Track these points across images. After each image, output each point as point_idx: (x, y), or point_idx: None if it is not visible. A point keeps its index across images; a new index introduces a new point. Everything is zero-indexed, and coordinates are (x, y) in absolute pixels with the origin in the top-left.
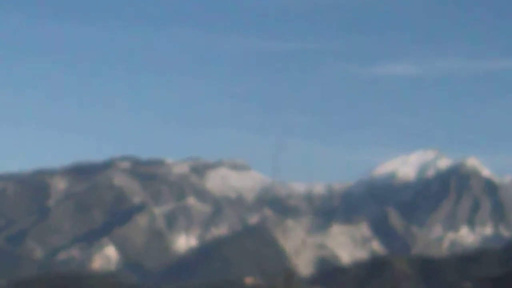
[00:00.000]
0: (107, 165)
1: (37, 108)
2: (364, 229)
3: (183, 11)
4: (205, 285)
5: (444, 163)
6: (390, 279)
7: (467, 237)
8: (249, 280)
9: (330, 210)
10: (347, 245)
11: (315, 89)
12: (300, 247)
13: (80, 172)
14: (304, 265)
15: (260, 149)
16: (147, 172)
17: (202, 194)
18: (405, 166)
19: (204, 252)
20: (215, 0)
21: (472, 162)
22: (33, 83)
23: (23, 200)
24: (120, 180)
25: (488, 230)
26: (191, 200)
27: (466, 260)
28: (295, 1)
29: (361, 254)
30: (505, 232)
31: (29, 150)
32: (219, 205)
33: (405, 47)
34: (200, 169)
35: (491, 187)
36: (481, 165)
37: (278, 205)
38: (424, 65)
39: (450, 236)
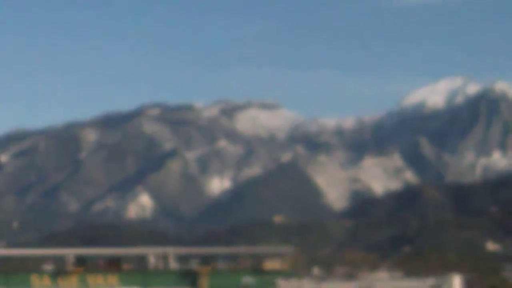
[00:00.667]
0: (137, 113)
1: (63, 58)
2: (396, 160)
3: None
4: (234, 227)
5: (472, 88)
6: (422, 208)
7: (500, 161)
8: (278, 218)
9: (362, 143)
10: (380, 176)
11: (341, 21)
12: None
13: (110, 122)
14: (338, 199)
15: (290, 85)
16: (176, 118)
17: (233, 136)
18: (434, 94)
19: (238, 194)
20: None
21: (501, 86)
22: (61, 30)
23: (54, 154)
24: (150, 127)
25: None
26: (223, 143)
27: (498, 185)
28: None
29: (395, 185)
30: None
31: (58, 103)
32: (250, 146)
33: None
34: (230, 111)
35: None
36: (510, 88)
37: (310, 141)
38: None
39: (483, 161)
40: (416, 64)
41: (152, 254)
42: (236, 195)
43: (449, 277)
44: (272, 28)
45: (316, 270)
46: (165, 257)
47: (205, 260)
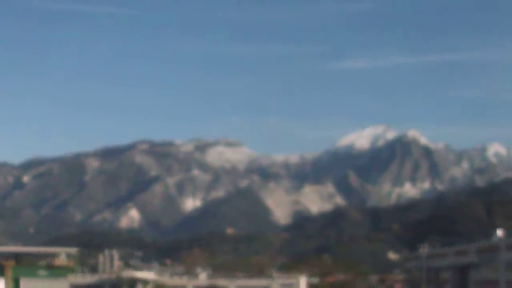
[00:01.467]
0: (130, 147)
1: (73, 97)
2: (329, 188)
3: None
4: (196, 236)
5: (391, 134)
6: (345, 225)
7: (410, 191)
8: (230, 230)
9: (303, 174)
10: (317, 200)
11: (288, 84)
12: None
13: (109, 153)
14: (283, 217)
15: (249, 128)
16: (160, 151)
17: (204, 167)
18: (361, 138)
19: (206, 211)
20: None
21: (412, 133)
22: (75, 74)
23: (65, 177)
24: (140, 158)
25: (426, 185)
26: (196, 172)
27: (405, 208)
28: None
29: (327, 207)
30: (439, 186)
31: (68, 135)
32: (217, 174)
33: (361, 47)
34: (202, 147)
35: (427, 152)
36: (419, 135)
37: (263, 172)
38: (374, 60)
39: (397, 191)
40: (348, 113)
41: None
42: (204, 212)
43: (296, 278)
44: (241, 84)
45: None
46: None
47: (15, 256)
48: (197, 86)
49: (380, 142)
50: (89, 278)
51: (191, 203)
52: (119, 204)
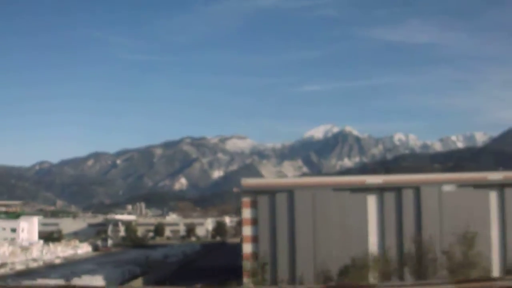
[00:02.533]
0: (180, 141)
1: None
2: (299, 163)
3: None
4: (218, 194)
5: (335, 129)
6: None
7: (347, 163)
8: (236, 189)
9: (283, 155)
10: (291, 170)
11: (273, 101)
12: None
13: (167, 145)
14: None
15: (252, 127)
16: (198, 143)
17: (224, 152)
18: (318, 132)
19: (226, 179)
20: None
21: (348, 128)
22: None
23: (141, 160)
24: (186, 147)
25: (357, 159)
26: (220, 155)
27: (344, 174)
28: None
29: (298, 174)
30: (365, 160)
31: (143, 133)
32: (232, 156)
33: (313, 78)
34: (223, 140)
35: (357, 139)
36: (352, 129)
37: (260, 154)
38: (322, 85)
39: (339, 163)
40: (310, 117)
41: None
42: (225, 179)
43: None
44: (247, 101)
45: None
46: None
47: None
48: (220, 105)
49: (329, 134)
50: (93, 220)
51: (217, 174)
52: (174, 175)
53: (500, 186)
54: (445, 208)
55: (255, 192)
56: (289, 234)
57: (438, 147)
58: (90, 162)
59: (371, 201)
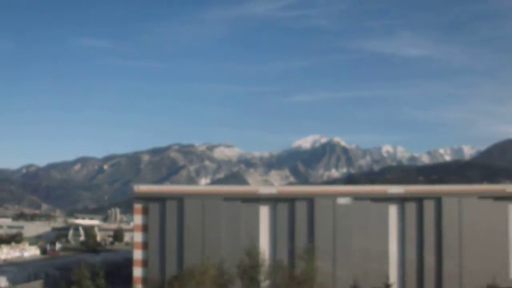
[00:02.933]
0: (167, 148)
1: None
2: (286, 172)
3: None
4: None
5: (323, 139)
6: None
7: (334, 174)
8: None
9: (271, 164)
10: (278, 180)
11: (261, 110)
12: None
13: (154, 151)
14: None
15: (239, 136)
16: (186, 150)
17: (211, 159)
18: (306, 142)
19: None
20: None
21: (336, 139)
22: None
23: (128, 166)
24: (173, 154)
25: (344, 170)
26: (207, 162)
27: (331, 183)
28: None
29: (284, 184)
30: (352, 171)
31: (131, 139)
32: (220, 164)
33: (301, 88)
34: (211, 147)
35: (345, 150)
36: (340, 140)
37: (247, 163)
38: (311, 96)
39: (327, 173)
40: (298, 127)
41: None
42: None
43: None
44: (236, 111)
45: None
46: None
47: None
48: (208, 113)
49: (317, 144)
50: (57, 224)
51: (203, 181)
52: (160, 182)
53: (401, 200)
54: (340, 221)
55: (146, 199)
56: (178, 241)
57: (426, 159)
58: (77, 167)
59: (264, 211)
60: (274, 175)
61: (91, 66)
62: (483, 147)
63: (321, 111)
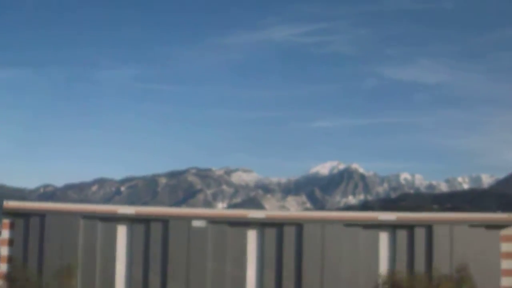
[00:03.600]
0: (185, 171)
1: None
2: (303, 198)
3: None
4: None
5: (341, 166)
6: None
7: (352, 200)
8: None
9: (288, 189)
10: (295, 206)
11: (279, 136)
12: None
13: (172, 174)
14: None
15: (258, 162)
16: (203, 174)
17: (229, 184)
18: (324, 168)
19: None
20: None
21: (354, 165)
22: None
23: (146, 188)
24: (191, 178)
25: (361, 197)
26: (224, 187)
27: (348, 209)
28: None
29: (301, 210)
30: (369, 198)
31: (149, 161)
32: (237, 189)
33: (324, 114)
34: (229, 172)
35: (362, 177)
36: (358, 167)
37: (264, 188)
38: (332, 122)
39: (344, 200)
40: (316, 153)
41: None
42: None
43: None
44: (254, 139)
45: None
46: None
47: None
48: (227, 138)
49: (335, 171)
50: None
51: (220, 205)
52: (176, 205)
53: (261, 226)
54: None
55: (14, 215)
56: (39, 256)
57: (444, 187)
58: (94, 188)
59: (121, 232)
60: (291, 201)
61: (111, 88)
62: (501, 175)
63: (340, 138)
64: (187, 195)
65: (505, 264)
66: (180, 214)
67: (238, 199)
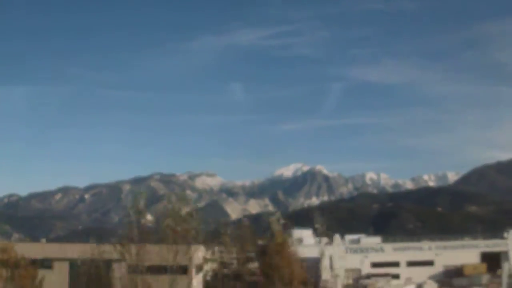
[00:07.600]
0: (149, 177)
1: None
2: (266, 201)
3: None
4: None
5: (305, 168)
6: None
7: (315, 202)
8: None
9: (252, 193)
10: (257, 208)
11: (245, 139)
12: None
13: (136, 180)
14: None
15: (221, 165)
16: (166, 179)
17: (193, 189)
18: (287, 170)
19: None
20: None
21: (318, 167)
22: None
23: (109, 195)
24: (154, 183)
25: (325, 198)
26: (188, 192)
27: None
28: None
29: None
30: (332, 199)
31: (112, 168)
32: (201, 194)
33: (288, 116)
34: (193, 177)
35: (326, 178)
36: (322, 168)
37: (228, 192)
38: (295, 125)
39: (307, 202)
40: (280, 155)
41: None
42: None
43: None
44: (219, 141)
45: None
46: None
47: None
48: (191, 143)
49: (299, 173)
50: None
51: (183, 210)
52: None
53: None
54: None
55: None
56: None
57: (410, 186)
58: (58, 196)
59: None
60: (253, 204)
61: (72, 95)
62: (465, 172)
63: (305, 140)
64: (151, 201)
65: None
66: None
67: (201, 204)
